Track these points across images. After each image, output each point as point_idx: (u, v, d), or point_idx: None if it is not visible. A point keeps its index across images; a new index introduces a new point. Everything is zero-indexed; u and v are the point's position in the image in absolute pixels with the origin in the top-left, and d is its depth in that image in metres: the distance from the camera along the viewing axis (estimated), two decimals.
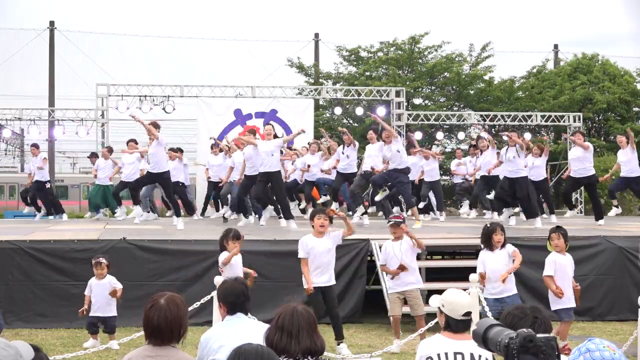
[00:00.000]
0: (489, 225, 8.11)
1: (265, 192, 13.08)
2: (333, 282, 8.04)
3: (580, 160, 13.42)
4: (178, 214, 13.15)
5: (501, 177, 13.73)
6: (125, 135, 24.15)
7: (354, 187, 13.78)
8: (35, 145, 17.00)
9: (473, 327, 2.83)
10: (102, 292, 8.47)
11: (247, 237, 10.34)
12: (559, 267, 7.96)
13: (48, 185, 16.67)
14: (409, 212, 13.87)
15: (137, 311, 9.59)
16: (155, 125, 12.93)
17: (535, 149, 15.49)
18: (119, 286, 8.49)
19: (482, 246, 8.08)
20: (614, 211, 14.24)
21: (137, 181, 14.15)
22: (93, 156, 17.84)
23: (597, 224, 13.35)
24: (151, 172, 12.86)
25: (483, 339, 2.66)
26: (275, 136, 13.24)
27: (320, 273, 7.85)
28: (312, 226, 7.97)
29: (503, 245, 7.96)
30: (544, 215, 15.84)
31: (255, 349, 3.08)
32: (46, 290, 9.68)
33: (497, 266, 7.87)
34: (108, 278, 8.52)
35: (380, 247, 10.11)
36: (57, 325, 9.45)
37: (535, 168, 15.01)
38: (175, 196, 14.28)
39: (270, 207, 14.13)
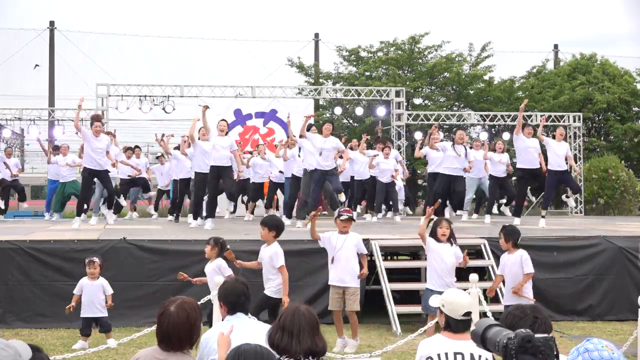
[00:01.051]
0: (435, 219, 8.38)
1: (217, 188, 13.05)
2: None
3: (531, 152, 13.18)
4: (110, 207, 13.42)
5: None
6: (126, 135, 24.17)
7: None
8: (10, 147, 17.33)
9: (472, 327, 2.83)
10: (93, 293, 8.43)
11: (246, 237, 10.37)
12: (505, 266, 8.10)
13: None
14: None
15: (137, 311, 9.64)
16: (98, 119, 12.94)
17: (500, 144, 15.47)
18: (109, 291, 8.48)
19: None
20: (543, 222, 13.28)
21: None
22: (56, 149, 17.77)
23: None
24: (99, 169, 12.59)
25: (482, 339, 2.66)
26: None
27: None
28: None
29: (450, 241, 8.14)
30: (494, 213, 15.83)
31: (254, 349, 3.09)
32: (46, 290, 9.68)
33: (446, 258, 8.04)
34: (100, 280, 8.47)
35: (380, 247, 10.17)
36: (57, 325, 9.45)
37: (499, 164, 14.97)
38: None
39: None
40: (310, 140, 12.81)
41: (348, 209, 8.68)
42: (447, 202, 13.79)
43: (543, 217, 13.24)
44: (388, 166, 15.47)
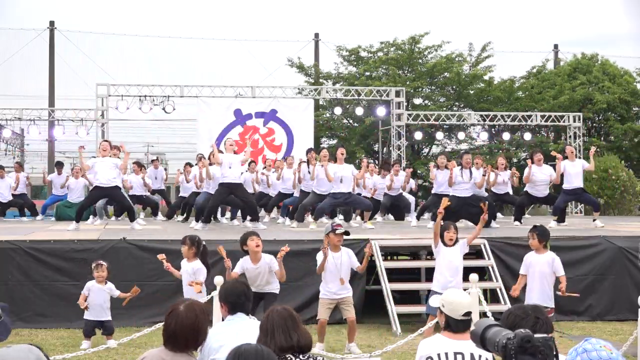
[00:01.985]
0: (442, 223, 8.34)
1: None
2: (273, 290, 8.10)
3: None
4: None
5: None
6: (126, 135, 24.20)
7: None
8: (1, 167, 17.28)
9: (472, 327, 2.83)
10: (99, 297, 8.46)
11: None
12: (530, 266, 8.07)
13: None
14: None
15: (137, 311, 9.64)
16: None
17: (502, 161, 15.18)
18: (116, 293, 8.53)
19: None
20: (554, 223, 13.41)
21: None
22: (59, 166, 17.78)
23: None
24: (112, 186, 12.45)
25: (481, 339, 2.66)
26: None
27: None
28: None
29: (455, 242, 8.26)
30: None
31: (254, 349, 3.09)
32: (46, 290, 9.67)
33: (454, 260, 8.12)
34: (108, 285, 8.52)
35: (380, 247, 10.14)
36: (57, 325, 9.45)
37: (502, 184, 14.79)
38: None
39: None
40: (328, 172, 12.68)
41: (339, 223, 8.61)
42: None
43: (555, 220, 13.45)
44: (396, 184, 15.72)
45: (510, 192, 15.26)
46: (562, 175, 13.31)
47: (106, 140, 13.29)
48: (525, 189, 13.84)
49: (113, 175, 12.22)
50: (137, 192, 16.22)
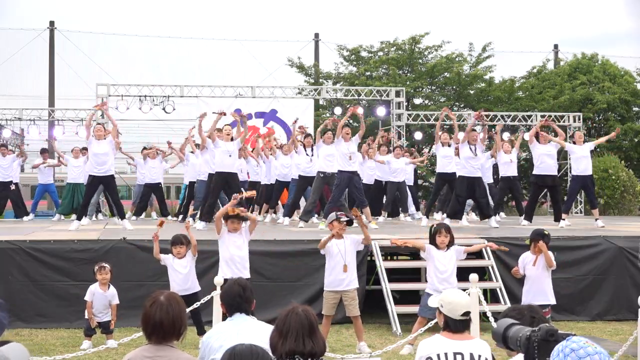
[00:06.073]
0: (434, 225, 8.34)
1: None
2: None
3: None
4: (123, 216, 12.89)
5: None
6: (126, 135, 24.18)
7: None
8: (4, 146, 17.13)
9: (493, 326, 2.84)
10: (101, 302, 8.47)
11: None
12: (527, 266, 8.14)
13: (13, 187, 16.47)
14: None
15: (137, 311, 9.56)
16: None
17: (507, 144, 15.40)
18: (115, 302, 8.53)
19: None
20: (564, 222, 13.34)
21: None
22: (44, 152, 17.71)
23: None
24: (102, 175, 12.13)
25: (503, 338, 2.71)
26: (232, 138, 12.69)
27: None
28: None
29: (449, 246, 8.17)
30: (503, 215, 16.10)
31: (249, 349, 3.09)
32: (46, 290, 9.67)
33: (446, 265, 8.08)
34: (111, 290, 8.51)
35: (380, 247, 10.14)
36: (57, 325, 9.45)
37: (510, 164, 14.92)
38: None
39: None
40: (336, 146, 12.75)
41: (344, 212, 8.64)
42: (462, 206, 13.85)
43: (563, 219, 13.37)
44: (399, 165, 15.47)
45: (517, 176, 15.33)
46: (568, 178, 13.39)
47: (100, 123, 13.00)
48: (533, 173, 13.62)
49: (109, 162, 12.02)
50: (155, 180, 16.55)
